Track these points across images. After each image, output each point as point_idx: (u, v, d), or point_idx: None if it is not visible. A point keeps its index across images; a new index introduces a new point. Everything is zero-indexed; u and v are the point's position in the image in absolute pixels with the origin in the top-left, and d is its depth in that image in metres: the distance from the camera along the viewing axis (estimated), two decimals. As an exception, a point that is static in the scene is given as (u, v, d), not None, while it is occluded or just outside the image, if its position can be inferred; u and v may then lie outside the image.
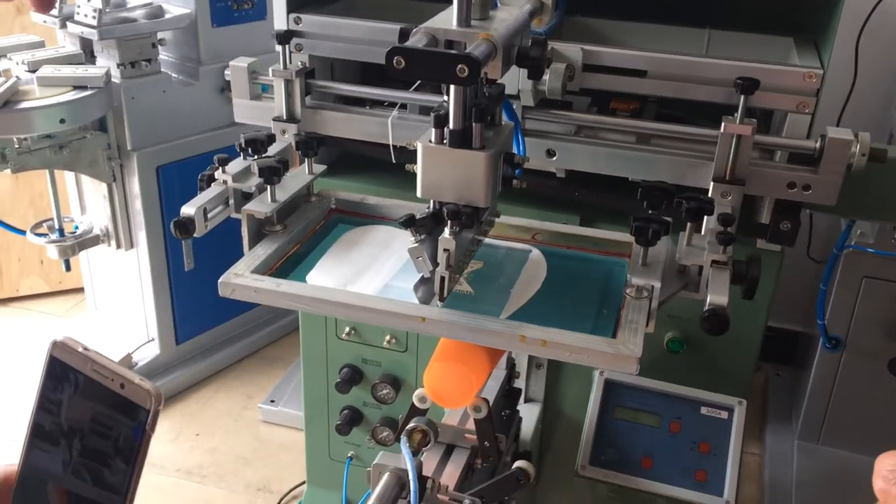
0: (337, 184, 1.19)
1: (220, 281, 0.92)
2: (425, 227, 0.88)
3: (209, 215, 1.00)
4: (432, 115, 0.85)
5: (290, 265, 1.00)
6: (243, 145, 1.05)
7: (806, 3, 1.15)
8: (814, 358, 1.78)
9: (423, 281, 0.91)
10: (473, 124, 0.85)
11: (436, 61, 0.76)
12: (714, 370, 1.27)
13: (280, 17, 1.25)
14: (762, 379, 2.12)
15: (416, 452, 0.97)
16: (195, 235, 0.98)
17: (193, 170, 1.97)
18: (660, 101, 1.21)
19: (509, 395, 1.19)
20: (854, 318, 1.70)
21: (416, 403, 1.00)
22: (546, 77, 1.06)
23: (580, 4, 1.25)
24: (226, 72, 1.23)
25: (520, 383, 1.31)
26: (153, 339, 2.05)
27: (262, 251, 0.98)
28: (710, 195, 1.00)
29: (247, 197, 1.03)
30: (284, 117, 1.17)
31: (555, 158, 1.12)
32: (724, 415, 1.19)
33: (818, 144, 1.00)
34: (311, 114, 1.18)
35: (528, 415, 1.30)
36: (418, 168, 0.88)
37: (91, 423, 0.56)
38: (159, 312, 2.01)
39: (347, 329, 1.37)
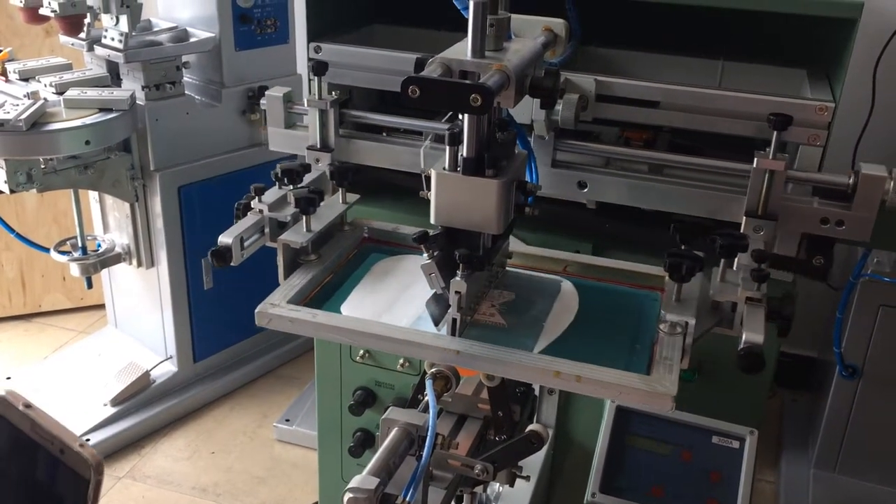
0: (369, 212, 1.20)
1: (256, 311, 0.92)
2: (438, 243, 0.90)
3: (245, 244, 1.01)
4: (446, 133, 0.87)
5: (324, 295, 1.01)
6: (279, 175, 1.06)
7: (819, 36, 1.16)
8: (830, 385, 1.77)
9: (435, 297, 0.93)
10: (485, 154, 0.87)
11: (450, 91, 0.78)
12: (727, 398, 1.27)
13: (302, 47, 1.28)
14: (778, 405, 2.11)
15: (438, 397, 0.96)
16: (232, 264, 0.99)
17: (214, 190, 2.03)
18: (672, 131, 1.22)
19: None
20: (871, 347, 1.68)
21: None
22: (559, 107, 1.08)
23: (595, 35, 1.27)
24: (262, 101, 1.24)
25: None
26: (171, 357, 2.07)
27: (298, 281, 0.99)
28: (742, 230, 1.01)
29: (281, 226, 1.04)
30: (318, 146, 1.19)
31: (586, 190, 1.12)
32: (736, 444, 1.19)
33: (852, 180, 0.99)
34: (344, 143, 1.20)
35: (540, 440, 1.30)
36: (432, 194, 0.89)
37: (25, 491, 0.52)
38: (178, 331, 2.04)
39: (362, 352, 1.38)
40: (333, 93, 1.17)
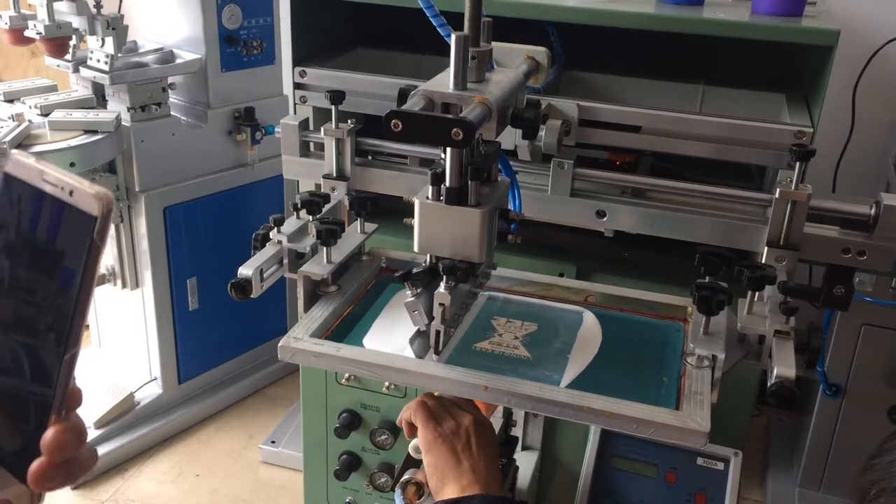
0: (386, 240, 1.19)
1: (280, 345, 0.92)
2: (421, 281, 0.90)
3: (264, 275, 1.00)
4: (429, 172, 0.88)
5: (345, 327, 1.00)
6: (299, 206, 1.05)
7: (797, 61, 1.18)
8: (814, 404, 1.78)
9: (419, 334, 0.93)
10: (469, 182, 0.87)
11: (432, 125, 0.79)
12: (711, 418, 1.28)
13: (288, 68, 1.27)
14: (763, 423, 2.12)
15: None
16: (252, 296, 0.97)
17: (200, 211, 2.03)
18: (655, 155, 1.23)
19: (506, 443, 1.20)
20: (854, 366, 1.70)
21: (412, 454, 1.01)
22: (542, 133, 1.09)
23: (577, 59, 1.28)
24: (276, 129, 1.23)
25: (517, 431, 1.32)
26: (156, 379, 2.06)
27: (319, 313, 0.98)
28: (764, 260, 1.01)
29: (299, 256, 1.04)
30: (335, 175, 1.19)
31: (605, 219, 1.13)
32: (721, 466, 1.20)
33: (873, 211, 0.99)
34: (360, 171, 1.19)
35: (526, 463, 1.30)
36: (415, 224, 0.90)
37: (37, 240, 0.50)
38: (163, 352, 2.03)
39: (347, 374, 1.38)
40: (350, 121, 1.17)
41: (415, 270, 0.90)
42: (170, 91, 1.94)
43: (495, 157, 0.93)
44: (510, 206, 0.99)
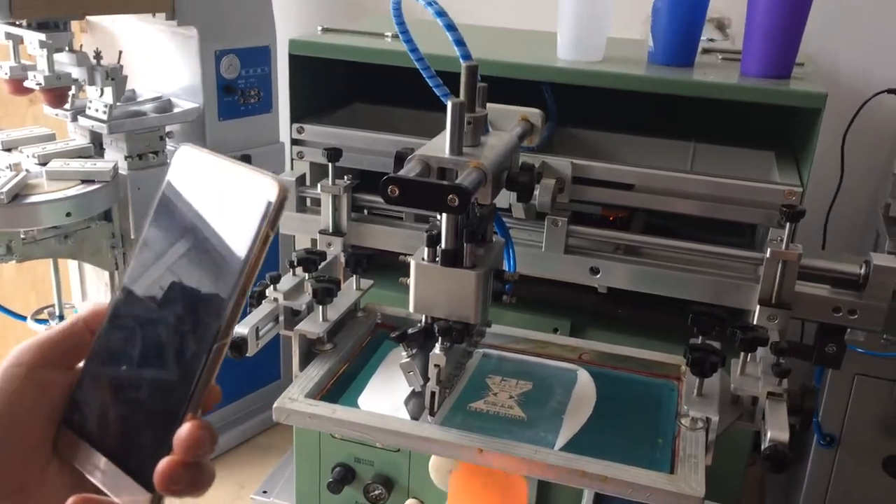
0: (381, 295, 1.19)
1: (275, 406, 0.92)
2: (417, 341, 0.91)
3: (260, 333, 1.00)
4: (425, 234, 0.89)
5: (340, 386, 1.01)
6: (295, 263, 1.06)
7: (785, 120, 1.20)
8: (809, 454, 1.78)
9: (413, 394, 0.93)
10: (465, 244, 0.88)
11: (428, 191, 0.80)
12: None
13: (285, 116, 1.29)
14: (758, 475, 2.10)
15: None
16: (248, 355, 0.98)
17: (195, 257, 2.04)
18: (648, 211, 1.25)
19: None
20: (847, 416, 1.70)
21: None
22: (536, 192, 1.10)
23: (571, 117, 1.31)
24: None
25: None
26: (148, 426, 2.04)
27: (314, 372, 0.99)
28: (756, 319, 1.02)
29: (295, 314, 1.05)
30: (331, 231, 1.20)
31: (598, 276, 1.14)
32: (716, 523, 1.19)
33: (863, 270, 1.01)
34: (356, 227, 1.20)
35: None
36: (411, 284, 0.91)
37: (206, 225, 0.48)
38: (155, 399, 2.01)
39: (341, 428, 1.38)
40: (346, 177, 1.18)
41: (410, 331, 0.90)
42: (167, 139, 1.96)
43: (490, 218, 0.95)
44: (505, 267, 1.00)
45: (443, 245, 0.88)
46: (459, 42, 0.91)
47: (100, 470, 0.48)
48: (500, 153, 0.90)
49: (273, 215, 0.45)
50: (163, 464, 0.45)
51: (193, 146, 0.51)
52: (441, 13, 0.90)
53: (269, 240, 0.46)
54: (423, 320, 0.92)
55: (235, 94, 2.03)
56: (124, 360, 0.49)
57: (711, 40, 1.70)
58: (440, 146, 0.88)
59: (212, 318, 0.46)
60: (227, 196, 0.47)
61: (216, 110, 2.00)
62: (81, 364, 0.51)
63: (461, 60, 0.90)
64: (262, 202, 0.45)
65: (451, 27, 0.91)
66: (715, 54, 1.27)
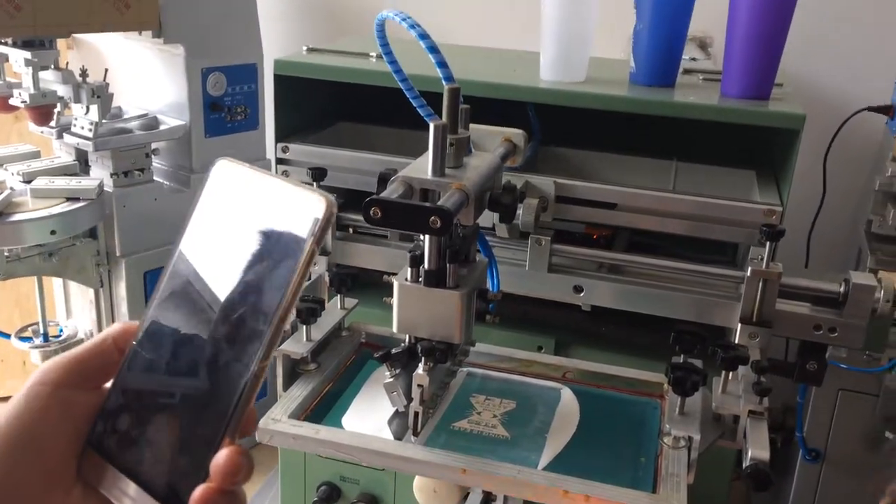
0: (366, 313, 1.18)
1: (259, 427, 0.91)
2: (400, 361, 0.91)
3: None
4: (408, 255, 0.89)
5: (324, 406, 1.01)
6: None
7: (766, 140, 1.22)
8: (794, 468, 1.79)
9: (397, 414, 0.94)
10: (448, 264, 0.89)
11: (410, 213, 0.81)
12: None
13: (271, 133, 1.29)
14: (744, 490, 2.11)
15: None
16: None
17: (181, 274, 2.03)
18: (631, 229, 1.26)
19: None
20: (832, 431, 1.71)
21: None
22: (520, 211, 1.11)
23: (554, 136, 1.32)
24: None
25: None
26: (132, 445, 2.03)
27: (298, 392, 0.98)
28: (737, 337, 1.03)
29: None
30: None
31: (582, 294, 1.14)
32: (701, 541, 1.19)
33: (843, 289, 1.02)
34: (341, 245, 1.21)
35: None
36: (394, 305, 0.91)
37: (248, 242, 0.45)
38: (140, 417, 2.00)
39: (326, 447, 1.37)
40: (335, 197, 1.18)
41: (394, 351, 0.91)
42: (153, 156, 1.96)
43: (474, 238, 0.95)
44: (489, 286, 1.01)
45: (426, 265, 0.89)
46: (442, 64, 0.92)
47: (128, 496, 0.46)
48: (482, 174, 0.91)
49: (319, 233, 0.43)
50: (199, 491, 0.43)
51: (232, 160, 0.48)
52: (424, 35, 0.91)
53: (315, 258, 0.44)
54: (407, 340, 0.92)
55: (222, 112, 2.04)
56: (157, 381, 0.47)
57: (693, 59, 1.72)
58: (423, 167, 0.88)
59: (253, 338, 0.44)
60: (271, 212, 0.45)
61: (202, 127, 2.01)
62: (109, 384, 0.49)
63: (444, 82, 0.91)
64: (308, 219, 0.43)
65: (433, 49, 0.92)
66: (696, 74, 1.29)
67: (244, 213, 0.46)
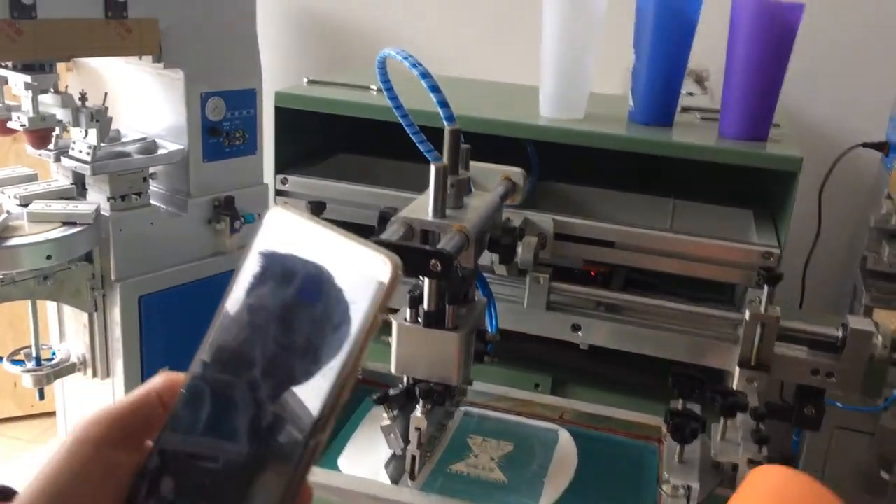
0: None
1: None
2: (398, 403, 0.91)
3: None
4: (407, 295, 0.89)
5: None
6: None
7: (763, 180, 1.22)
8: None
9: (394, 457, 0.93)
10: (447, 305, 0.89)
11: (411, 256, 0.81)
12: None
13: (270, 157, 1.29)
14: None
15: None
16: None
17: (176, 299, 2.02)
18: (628, 267, 1.26)
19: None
20: (826, 467, 1.71)
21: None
22: (519, 249, 1.11)
23: (553, 171, 1.32)
24: (256, 217, 1.23)
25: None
26: (123, 470, 2.01)
27: None
28: (735, 381, 1.03)
29: None
30: None
31: (580, 333, 1.14)
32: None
33: (841, 334, 1.01)
34: None
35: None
36: (393, 345, 0.91)
37: (301, 304, 0.42)
38: (131, 443, 1.98)
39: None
40: None
41: (391, 392, 0.90)
42: (150, 180, 1.96)
43: (473, 278, 0.95)
44: (487, 326, 1.01)
45: (425, 306, 0.89)
46: (443, 104, 0.92)
47: None
48: (482, 215, 0.91)
49: (383, 298, 0.39)
50: None
51: (286, 208, 0.45)
52: (426, 75, 0.92)
53: (379, 324, 0.40)
54: (405, 381, 0.92)
55: (220, 136, 2.04)
56: (202, 444, 0.43)
57: (690, 94, 1.74)
58: (423, 208, 0.89)
59: (309, 408, 0.40)
60: (329, 270, 0.41)
61: (201, 152, 2.00)
62: (151, 441, 0.46)
63: (445, 122, 0.91)
64: (371, 282, 0.39)
65: (435, 89, 0.92)
66: (694, 113, 1.30)
67: (300, 271, 0.42)
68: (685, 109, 1.31)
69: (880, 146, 1.87)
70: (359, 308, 0.40)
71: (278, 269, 0.43)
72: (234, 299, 0.45)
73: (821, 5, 2.09)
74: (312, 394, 0.40)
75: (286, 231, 0.44)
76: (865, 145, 1.88)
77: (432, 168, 0.86)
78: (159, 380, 0.48)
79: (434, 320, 0.89)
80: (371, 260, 0.40)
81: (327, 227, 0.42)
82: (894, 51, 2.07)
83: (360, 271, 0.40)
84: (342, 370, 0.40)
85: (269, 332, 0.43)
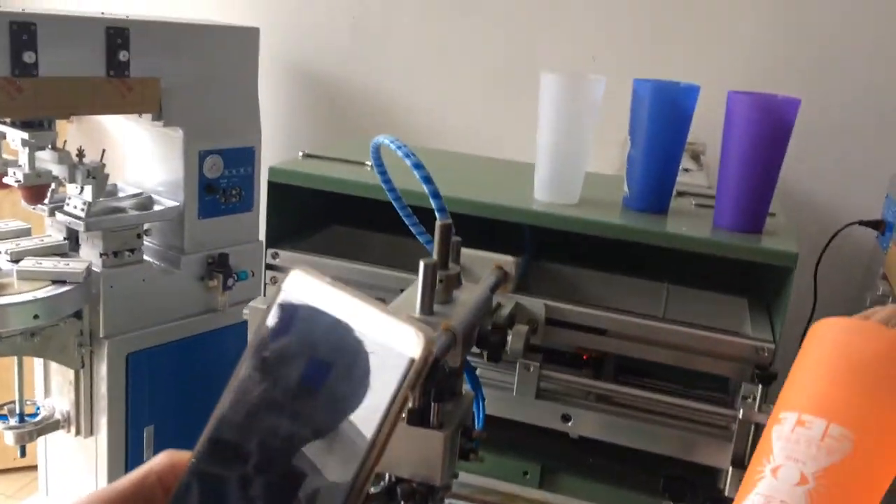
0: None
1: None
2: (379, 502, 0.88)
3: None
4: (392, 392, 0.87)
5: None
6: None
7: (758, 271, 1.21)
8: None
9: (375, 555, 0.90)
10: (432, 403, 0.87)
11: (396, 358, 0.79)
12: None
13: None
14: None
15: None
16: None
17: (164, 356, 2.00)
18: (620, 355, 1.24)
19: None
20: None
21: None
22: (509, 338, 1.10)
23: (546, 252, 1.32)
24: (244, 311, 1.21)
25: None
26: (102, 531, 1.96)
27: None
28: (728, 483, 1.01)
29: None
30: None
31: (570, 423, 1.12)
32: None
33: None
34: None
35: None
36: (376, 441, 0.88)
37: (321, 385, 0.38)
38: (112, 503, 1.94)
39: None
40: None
41: (372, 491, 0.88)
42: (145, 236, 1.95)
43: (460, 373, 0.93)
44: (475, 420, 0.98)
45: (409, 404, 0.87)
46: (435, 195, 0.92)
47: None
48: (471, 310, 0.89)
49: (414, 377, 0.36)
50: None
51: (308, 271, 0.41)
52: (418, 165, 0.91)
53: (407, 404, 0.37)
54: (387, 478, 0.89)
55: (217, 193, 2.04)
56: None
57: (686, 170, 1.74)
58: (411, 303, 0.87)
59: (329, 496, 0.37)
60: (355, 342, 0.38)
61: (196, 208, 2.00)
62: None
63: (437, 214, 0.90)
64: (401, 358, 0.36)
65: (427, 180, 0.91)
66: (689, 199, 1.30)
67: (321, 340, 0.39)
68: (681, 193, 1.31)
69: (876, 224, 1.87)
70: (387, 386, 0.37)
71: (299, 341, 0.40)
72: (248, 370, 0.41)
73: (818, 84, 2.12)
74: (335, 477, 0.37)
75: (308, 295, 0.40)
76: (861, 223, 1.88)
77: (421, 265, 0.85)
78: (161, 459, 0.45)
79: (418, 419, 0.87)
80: (402, 334, 0.37)
81: (352, 293, 0.39)
82: (890, 130, 2.08)
83: (389, 345, 0.37)
84: (369, 454, 0.37)
85: (286, 411, 0.39)
